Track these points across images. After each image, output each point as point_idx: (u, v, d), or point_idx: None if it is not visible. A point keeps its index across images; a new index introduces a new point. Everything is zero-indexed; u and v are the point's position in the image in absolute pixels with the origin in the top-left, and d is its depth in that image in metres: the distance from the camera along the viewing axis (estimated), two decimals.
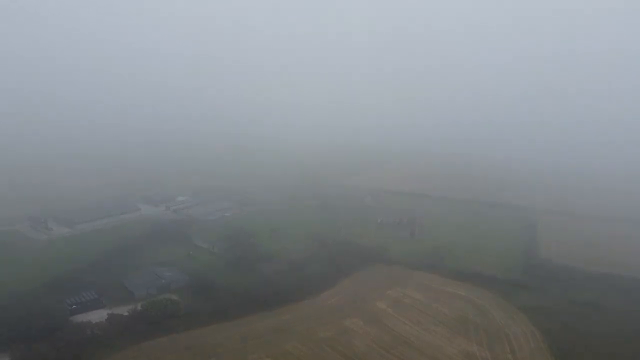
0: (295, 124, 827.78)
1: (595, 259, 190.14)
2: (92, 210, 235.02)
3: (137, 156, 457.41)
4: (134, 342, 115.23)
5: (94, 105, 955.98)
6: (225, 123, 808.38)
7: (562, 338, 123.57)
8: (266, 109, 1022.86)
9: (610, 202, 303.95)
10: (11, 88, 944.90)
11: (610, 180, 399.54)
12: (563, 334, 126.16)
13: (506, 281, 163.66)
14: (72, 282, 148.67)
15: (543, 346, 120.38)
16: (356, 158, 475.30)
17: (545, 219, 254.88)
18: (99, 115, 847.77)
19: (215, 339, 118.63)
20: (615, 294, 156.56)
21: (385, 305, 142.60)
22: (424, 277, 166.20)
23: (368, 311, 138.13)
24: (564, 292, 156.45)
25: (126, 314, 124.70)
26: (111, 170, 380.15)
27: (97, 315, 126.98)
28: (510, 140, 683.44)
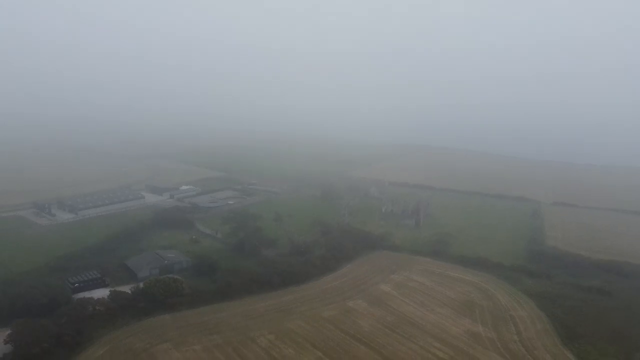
0: (299, 122, 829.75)
1: (601, 247, 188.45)
2: (96, 198, 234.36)
3: (143, 149, 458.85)
4: (136, 318, 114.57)
5: (100, 102, 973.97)
6: (228, 121, 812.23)
7: (568, 321, 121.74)
8: (270, 110, 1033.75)
9: (612, 196, 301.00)
10: (16, 88, 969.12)
11: (611, 175, 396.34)
12: (569, 317, 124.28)
13: (512, 267, 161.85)
14: (74, 263, 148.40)
15: (549, 328, 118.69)
16: (360, 154, 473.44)
17: (549, 210, 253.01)
18: (105, 111, 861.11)
19: (218, 317, 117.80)
20: (622, 280, 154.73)
21: (390, 288, 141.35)
22: (428, 263, 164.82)
23: (372, 293, 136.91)
24: (570, 278, 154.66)
25: (129, 292, 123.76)
26: (116, 162, 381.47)
27: (100, 294, 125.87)
28: (513, 137, 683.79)
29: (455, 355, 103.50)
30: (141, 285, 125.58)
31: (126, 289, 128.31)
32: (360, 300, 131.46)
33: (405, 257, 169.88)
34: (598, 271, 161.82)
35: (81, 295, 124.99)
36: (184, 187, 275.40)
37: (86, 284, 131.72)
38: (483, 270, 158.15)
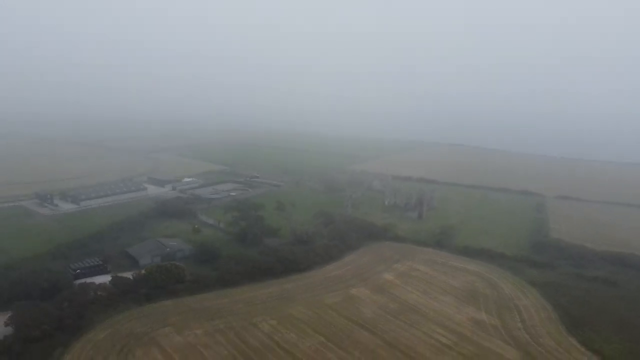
0: (303, 121, 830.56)
1: (606, 239, 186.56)
2: (98, 189, 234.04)
3: (146, 144, 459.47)
4: (137, 304, 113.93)
5: (105, 103, 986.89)
6: (231, 119, 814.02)
7: (573, 310, 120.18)
8: (273, 110, 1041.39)
9: (617, 190, 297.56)
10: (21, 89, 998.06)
11: (615, 170, 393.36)
12: (574, 306, 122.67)
13: (515, 258, 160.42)
14: (76, 251, 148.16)
15: (553, 316, 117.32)
16: (363, 149, 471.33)
17: (553, 203, 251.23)
18: (108, 110, 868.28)
19: (220, 303, 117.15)
20: (628, 271, 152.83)
21: (393, 276, 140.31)
22: (432, 253, 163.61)
23: (375, 282, 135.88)
24: (575, 269, 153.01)
25: (130, 277, 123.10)
26: (119, 156, 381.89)
27: (101, 281, 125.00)
28: (517, 135, 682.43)
29: (459, 341, 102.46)
30: (143, 271, 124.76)
31: (128, 275, 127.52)
32: (363, 288, 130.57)
33: (409, 248, 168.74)
34: (603, 262, 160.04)
35: (82, 281, 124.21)
36: (186, 179, 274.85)
37: (87, 270, 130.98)
38: (486, 261, 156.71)
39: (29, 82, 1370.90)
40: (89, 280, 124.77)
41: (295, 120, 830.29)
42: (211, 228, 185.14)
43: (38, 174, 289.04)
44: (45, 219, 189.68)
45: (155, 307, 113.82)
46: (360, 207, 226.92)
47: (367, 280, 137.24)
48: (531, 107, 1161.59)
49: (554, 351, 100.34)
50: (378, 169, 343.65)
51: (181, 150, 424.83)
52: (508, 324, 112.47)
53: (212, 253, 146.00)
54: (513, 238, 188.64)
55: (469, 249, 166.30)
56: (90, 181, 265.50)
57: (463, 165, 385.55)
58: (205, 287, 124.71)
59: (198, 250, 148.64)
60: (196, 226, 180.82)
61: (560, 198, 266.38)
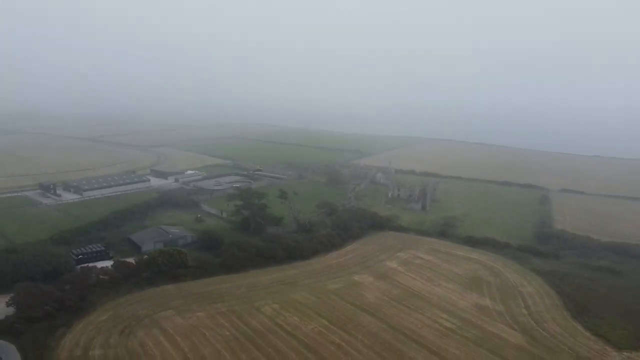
0: (304, 119, 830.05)
1: (610, 231, 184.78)
2: (101, 180, 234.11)
3: (149, 139, 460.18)
4: (139, 287, 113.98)
5: (108, 98, 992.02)
6: (236, 118, 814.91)
7: (578, 297, 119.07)
8: (275, 106, 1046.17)
9: (621, 184, 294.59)
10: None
11: (620, 165, 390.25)
12: (578, 294, 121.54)
13: (519, 248, 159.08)
14: (78, 238, 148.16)
15: (558, 303, 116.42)
16: (365, 145, 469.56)
17: (557, 197, 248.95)
18: (111, 107, 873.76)
19: (222, 288, 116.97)
20: (632, 261, 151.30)
21: (396, 264, 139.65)
22: (435, 243, 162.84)
23: (378, 269, 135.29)
24: (579, 259, 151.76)
25: (133, 262, 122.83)
26: (122, 150, 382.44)
27: (103, 265, 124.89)
28: (520, 131, 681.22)
29: (463, 325, 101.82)
30: (145, 256, 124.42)
31: (130, 261, 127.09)
32: (366, 275, 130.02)
33: (412, 237, 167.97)
34: (607, 252, 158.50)
35: (84, 266, 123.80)
36: (189, 172, 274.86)
37: (90, 255, 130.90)
38: (490, 250, 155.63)
39: (31, 82, 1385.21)
40: (91, 265, 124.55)
41: (301, 119, 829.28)
42: (214, 218, 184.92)
43: (42, 166, 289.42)
44: (48, 209, 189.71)
45: (158, 291, 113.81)
46: (364, 199, 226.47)
47: (370, 267, 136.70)
48: (532, 107, 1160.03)
49: (559, 336, 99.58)
50: (381, 163, 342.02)
51: (185, 144, 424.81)
52: (512, 310, 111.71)
53: (215, 240, 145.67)
54: (517, 229, 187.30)
55: (472, 239, 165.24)
56: (93, 173, 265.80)
57: (466, 160, 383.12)
58: (208, 272, 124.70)
59: (201, 238, 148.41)
60: (199, 215, 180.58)
61: (563, 191, 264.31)
